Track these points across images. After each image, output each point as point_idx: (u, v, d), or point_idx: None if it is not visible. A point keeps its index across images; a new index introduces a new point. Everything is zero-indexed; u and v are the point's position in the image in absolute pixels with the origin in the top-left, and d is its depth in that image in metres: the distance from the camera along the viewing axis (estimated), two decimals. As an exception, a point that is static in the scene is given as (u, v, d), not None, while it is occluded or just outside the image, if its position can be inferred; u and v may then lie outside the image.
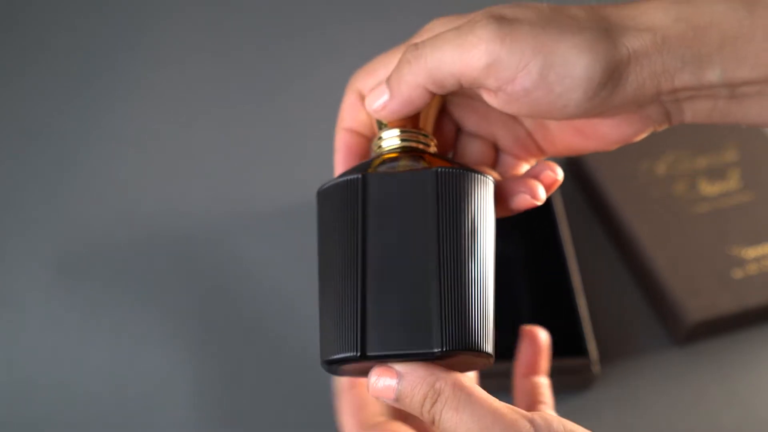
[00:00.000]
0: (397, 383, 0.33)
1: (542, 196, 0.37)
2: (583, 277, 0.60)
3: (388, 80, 0.36)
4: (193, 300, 0.62)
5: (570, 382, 0.56)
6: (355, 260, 0.34)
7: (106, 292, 0.63)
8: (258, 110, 0.76)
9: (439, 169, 0.34)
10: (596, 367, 0.55)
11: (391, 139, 0.37)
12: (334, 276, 0.35)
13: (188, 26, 0.84)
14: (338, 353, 0.33)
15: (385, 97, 0.36)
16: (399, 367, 0.33)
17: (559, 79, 0.33)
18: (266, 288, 0.63)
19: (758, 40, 0.32)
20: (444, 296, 0.33)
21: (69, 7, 0.85)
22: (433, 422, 0.33)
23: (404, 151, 0.37)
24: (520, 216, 0.39)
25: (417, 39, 0.38)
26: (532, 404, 0.42)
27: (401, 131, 0.37)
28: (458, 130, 0.42)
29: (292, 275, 0.63)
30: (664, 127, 0.37)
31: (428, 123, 0.39)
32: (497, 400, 0.32)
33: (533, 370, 0.44)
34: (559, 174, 0.38)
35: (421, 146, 0.37)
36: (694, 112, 0.36)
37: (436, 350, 0.32)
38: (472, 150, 0.41)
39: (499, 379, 0.55)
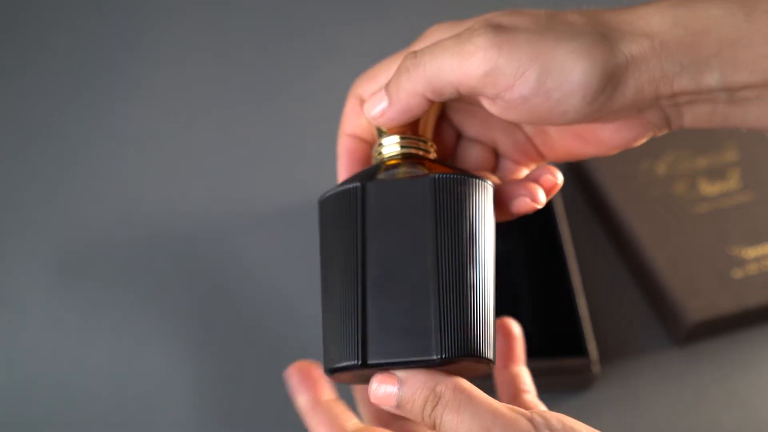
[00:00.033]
0: (398, 389, 0.33)
1: (542, 199, 0.37)
2: (583, 277, 0.60)
3: (386, 87, 0.37)
4: (193, 300, 0.62)
5: (570, 382, 0.56)
6: (355, 269, 0.34)
7: (106, 292, 0.63)
8: (258, 110, 0.76)
9: (437, 176, 0.35)
10: (596, 367, 0.55)
11: (391, 146, 0.38)
12: (335, 285, 0.35)
13: (188, 26, 0.84)
14: (340, 362, 0.34)
15: (384, 104, 0.37)
16: (400, 373, 0.33)
17: (556, 86, 0.33)
18: (266, 288, 0.63)
19: (756, 44, 0.32)
20: (443, 303, 0.33)
21: (69, 7, 0.85)
22: (434, 426, 0.33)
23: (404, 158, 0.37)
24: (521, 217, 0.39)
25: (417, 45, 0.38)
26: (514, 393, 0.42)
27: (401, 138, 0.37)
28: (458, 135, 0.42)
29: (292, 275, 0.63)
30: (664, 132, 0.37)
31: (428, 129, 0.39)
32: (496, 401, 0.32)
33: (511, 360, 0.44)
34: (559, 178, 0.38)
35: (420, 152, 0.37)
36: (694, 116, 0.36)
37: (435, 357, 0.32)
38: (472, 155, 0.41)
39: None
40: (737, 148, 0.66)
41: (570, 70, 0.33)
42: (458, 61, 0.34)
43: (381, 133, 0.38)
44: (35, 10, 0.85)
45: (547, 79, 0.33)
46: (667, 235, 0.61)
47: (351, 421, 0.37)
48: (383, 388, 0.33)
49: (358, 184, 0.35)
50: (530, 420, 0.32)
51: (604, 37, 0.33)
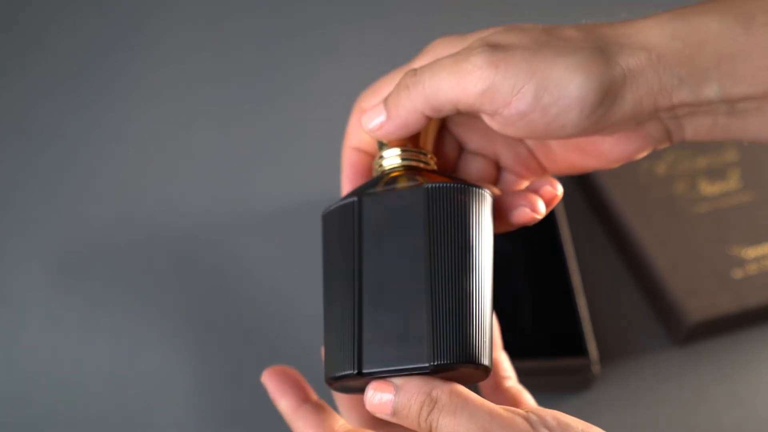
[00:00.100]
0: (394, 396, 0.33)
1: (542, 209, 0.38)
2: (583, 277, 0.60)
3: (385, 102, 0.37)
4: (193, 300, 0.62)
5: (570, 382, 0.56)
6: (351, 281, 0.35)
7: (106, 292, 0.63)
8: (258, 110, 0.76)
9: (429, 185, 0.35)
10: (596, 367, 0.55)
11: (391, 159, 0.38)
12: (334, 297, 0.36)
13: (188, 26, 0.84)
14: (337, 372, 0.34)
15: (382, 118, 0.37)
16: (395, 380, 0.33)
17: (553, 101, 0.33)
18: (266, 288, 0.63)
19: (755, 57, 0.33)
20: (435, 310, 0.33)
21: (69, 7, 0.85)
22: (430, 430, 0.33)
23: (404, 170, 0.37)
24: (521, 228, 0.39)
25: (419, 61, 0.39)
26: (496, 381, 0.42)
27: (402, 150, 0.38)
28: (461, 148, 0.42)
29: (292, 275, 0.63)
30: (665, 144, 0.37)
31: (428, 142, 0.39)
32: (492, 403, 0.33)
33: None
34: (559, 189, 0.38)
35: (421, 165, 0.38)
36: (695, 129, 0.36)
37: (427, 364, 0.33)
38: (474, 168, 0.41)
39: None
40: (737, 148, 0.66)
41: (566, 85, 0.33)
42: (456, 80, 0.34)
43: (382, 145, 0.39)
44: (35, 10, 0.85)
45: (544, 94, 0.33)
46: (667, 235, 0.61)
47: (338, 422, 0.37)
48: (378, 396, 0.33)
49: (354, 198, 0.36)
50: (526, 419, 0.32)
51: (601, 51, 0.33)
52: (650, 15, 0.34)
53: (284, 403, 0.38)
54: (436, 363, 0.33)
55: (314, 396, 0.39)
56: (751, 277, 0.58)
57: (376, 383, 0.33)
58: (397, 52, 0.81)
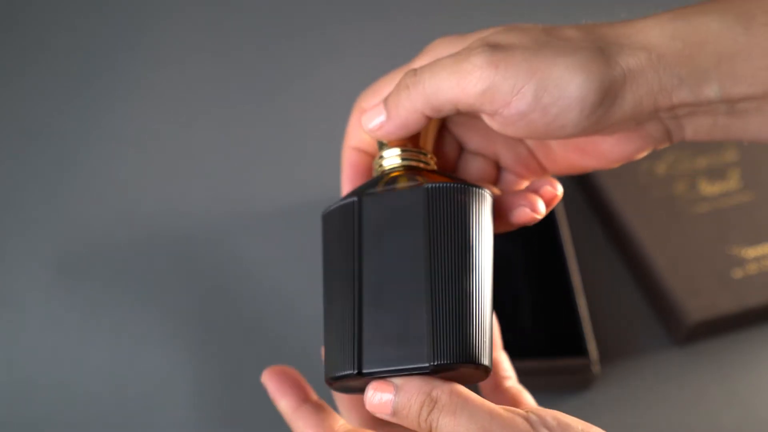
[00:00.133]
0: (394, 396, 0.33)
1: (542, 209, 0.38)
2: (583, 277, 0.60)
3: (385, 102, 0.37)
4: (193, 300, 0.62)
5: (570, 382, 0.56)
6: (351, 281, 0.35)
7: (106, 292, 0.63)
8: (258, 110, 0.76)
9: (429, 185, 0.35)
10: (596, 367, 0.55)
11: (391, 158, 0.38)
12: (334, 297, 0.36)
13: (188, 26, 0.84)
14: (337, 371, 0.34)
15: (382, 118, 0.37)
16: (395, 380, 0.33)
17: (553, 101, 0.33)
18: (266, 288, 0.63)
19: (755, 57, 0.33)
20: (435, 310, 0.33)
21: (69, 7, 0.85)
22: (430, 431, 0.33)
23: (404, 170, 0.38)
24: (521, 228, 0.39)
25: (419, 61, 0.39)
26: (496, 381, 0.42)
27: (402, 150, 0.38)
28: (461, 148, 0.42)
29: (292, 275, 0.63)
30: (665, 145, 0.37)
31: (428, 141, 0.39)
32: (492, 403, 0.33)
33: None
34: (559, 189, 0.38)
35: (421, 165, 0.38)
36: (695, 129, 0.36)
37: (427, 364, 0.33)
38: (474, 168, 0.41)
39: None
40: (737, 148, 0.66)
41: (566, 85, 0.33)
42: (456, 80, 0.34)
43: (382, 145, 0.39)
44: (35, 10, 0.85)
45: (544, 94, 0.33)
46: (667, 235, 0.61)
47: (339, 422, 0.37)
48: (378, 396, 0.33)
49: (354, 198, 0.36)
50: (526, 419, 0.32)
51: (601, 51, 0.33)
52: (650, 15, 0.34)
53: (284, 403, 0.38)
54: (436, 363, 0.33)
55: (314, 396, 0.38)
56: (751, 277, 0.58)
57: (376, 383, 0.33)
58: (397, 52, 0.81)
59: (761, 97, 0.33)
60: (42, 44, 0.82)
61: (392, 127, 0.37)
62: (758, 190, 0.63)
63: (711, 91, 0.33)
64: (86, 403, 0.57)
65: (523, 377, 0.56)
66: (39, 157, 0.72)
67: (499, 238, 0.37)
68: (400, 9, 0.85)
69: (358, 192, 0.37)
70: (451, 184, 0.35)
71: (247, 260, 0.65)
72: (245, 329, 0.61)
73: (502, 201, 0.38)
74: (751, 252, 0.60)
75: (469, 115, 0.40)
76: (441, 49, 0.38)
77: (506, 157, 0.41)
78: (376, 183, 0.37)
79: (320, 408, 0.37)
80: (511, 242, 0.62)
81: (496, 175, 0.42)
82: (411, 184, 0.36)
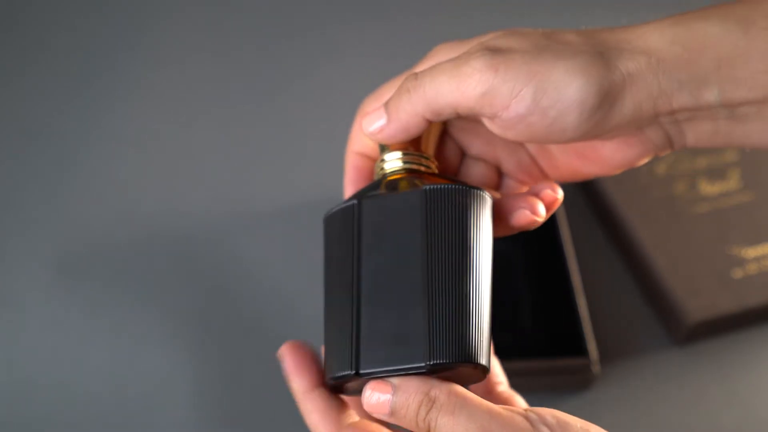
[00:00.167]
0: (392, 396, 0.33)
1: (542, 212, 0.38)
2: (583, 277, 0.60)
3: (386, 105, 0.37)
4: (193, 300, 0.62)
5: (570, 382, 0.56)
6: (350, 283, 0.35)
7: (106, 292, 0.63)
8: (258, 110, 0.76)
9: (428, 187, 0.35)
10: (596, 367, 0.55)
11: (392, 162, 0.38)
12: (333, 299, 0.36)
13: (188, 26, 0.84)
14: (336, 372, 0.35)
15: (382, 121, 0.37)
16: (393, 380, 0.33)
17: (552, 103, 0.33)
18: (266, 288, 0.63)
19: (754, 61, 0.33)
20: (432, 310, 0.33)
21: (69, 7, 0.85)
22: (428, 431, 0.32)
23: (405, 173, 0.38)
24: (522, 232, 0.39)
25: (421, 66, 0.39)
26: (488, 388, 0.42)
27: (403, 154, 0.38)
28: (463, 154, 0.42)
29: (292, 275, 0.63)
30: (667, 152, 0.38)
31: (429, 145, 0.40)
32: (491, 402, 0.33)
33: None
34: (559, 193, 0.39)
35: (422, 168, 0.38)
36: (696, 135, 0.36)
37: (423, 363, 0.33)
38: (476, 173, 0.41)
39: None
40: (737, 148, 0.66)
41: (565, 88, 0.33)
42: (456, 84, 0.34)
43: (383, 149, 0.39)
44: (35, 10, 0.85)
45: (543, 97, 0.33)
46: (667, 235, 0.61)
47: (347, 413, 0.37)
48: (376, 396, 0.33)
49: (354, 201, 0.36)
50: (526, 417, 0.32)
51: (600, 55, 0.34)
52: (651, 21, 0.35)
53: (297, 383, 0.37)
54: (432, 362, 0.33)
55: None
56: (751, 277, 0.58)
57: (374, 383, 0.33)
58: (397, 52, 0.81)
59: (761, 101, 0.33)
60: (42, 44, 0.82)
61: (393, 131, 0.37)
62: (758, 190, 0.63)
63: (711, 96, 0.33)
64: (86, 403, 0.57)
65: (523, 377, 0.56)
66: (39, 157, 0.72)
67: (499, 238, 0.37)
68: (400, 9, 0.85)
69: (359, 195, 0.37)
70: (450, 186, 0.35)
71: (247, 260, 0.65)
72: (245, 329, 0.61)
73: (502, 204, 0.38)
74: (751, 252, 0.60)
75: (471, 120, 0.40)
76: (442, 54, 0.38)
77: (508, 163, 0.41)
78: (376, 186, 0.37)
79: (331, 396, 0.37)
80: (512, 242, 0.62)
81: (498, 181, 0.42)
82: (410, 186, 0.36)
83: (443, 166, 0.42)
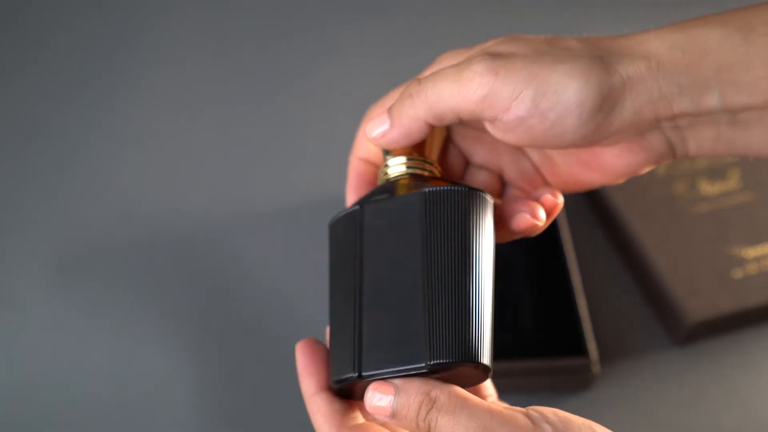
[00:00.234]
0: (394, 397, 0.33)
1: (542, 216, 0.38)
2: (583, 277, 0.60)
3: (389, 110, 0.38)
4: (193, 300, 0.62)
5: (570, 382, 0.56)
6: (353, 287, 0.35)
7: (106, 292, 0.63)
8: (258, 110, 0.76)
9: (428, 189, 0.35)
10: (596, 367, 0.55)
11: (395, 167, 0.39)
12: (337, 304, 0.36)
13: (188, 26, 0.84)
14: (339, 375, 0.35)
15: (385, 126, 0.38)
16: (395, 381, 0.33)
17: (551, 106, 0.34)
18: (266, 288, 0.63)
19: (755, 66, 0.33)
20: (431, 310, 0.33)
21: (69, 7, 0.85)
22: (428, 431, 0.33)
23: (409, 178, 0.38)
24: (524, 239, 0.39)
25: (426, 73, 0.39)
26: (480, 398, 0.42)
27: (407, 159, 0.39)
28: (466, 162, 0.43)
29: (292, 275, 0.63)
30: (669, 160, 0.38)
31: (433, 152, 0.40)
32: (491, 402, 0.33)
33: None
34: (560, 198, 0.39)
35: (426, 173, 0.38)
36: (698, 142, 0.36)
37: (424, 363, 0.33)
38: (479, 181, 0.42)
39: (499, 379, 0.55)
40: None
41: (564, 90, 0.33)
42: (457, 88, 0.35)
43: (387, 154, 0.39)
44: (35, 10, 0.85)
45: (542, 99, 0.34)
46: (667, 235, 0.61)
47: (353, 415, 0.37)
48: (378, 397, 0.33)
49: (357, 207, 0.37)
50: (527, 415, 0.32)
51: (600, 60, 0.34)
52: (651, 29, 0.35)
53: (305, 384, 0.38)
54: (433, 362, 0.33)
55: None
56: (751, 277, 0.58)
57: (376, 384, 0.34)
58: (397, 52, 0.81)
59: (762, 107, 0.33)
60: (42, 44, 0.82)
61: (395, 135, 0.38)
62: (758, 190, 0.64)
63: (712, 101, 0.33)
64: (86, 403, 0.57)
65: (523, 377, 0.56)
66: (39, 157, 0.72)
67: (498, 249, 0.37)
68: (400, 9, 0.85)
69: (362, 201, 0.37)
70: (450, 188, 0.35)
71: (247, 260, 0.65)
72: (245, 329, 0.61)
73: (502, 209, 0.38)
74: (751, 252, 0.60)
75: (475, 128, 0.41)
76: (446, 61, 0.39)
77: (511, 171, 0.42)
78: (380, 191, 0.38)
79: (337, 398, 0.37)
80: (512, 243, 0.62)
81: (501, 189, 0.42)
82: (412, 190, 0.36)
83: (447, 174, 0.42)
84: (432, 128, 0.37)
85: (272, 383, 0.58)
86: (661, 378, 0.57)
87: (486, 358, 0.34)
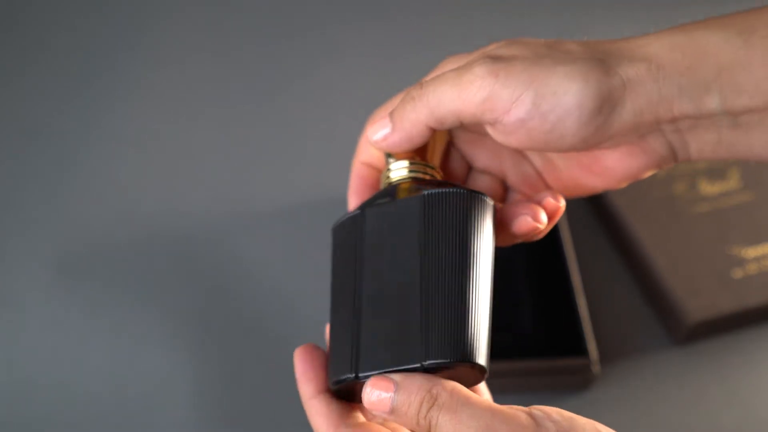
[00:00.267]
0: (394, 393, 0.33)
1: (543, 219, 0.38)
2: (583, 277, 0.60)
3: (391, 114, 0.38)
4: (193, 300, 0.62)
5: (570, 382, 0.56)
6: (352, 290, 0.36)
7: (106, 292, 0.63)
8: (258, 110, 0.76)
9: (427, 192, 0.36)
10: (596, 367, 0.55)
11: (397, 171, 0.39)
12: (337, 306, 0.37)
13: (188, 26, 0.84)
14: (337, 376, 0.35)
15: (387, 129, 0.38)
16: (395, 376, 0.33)
17: (551, 107, 0.34)
18: (266, 288, 0.63)
19: (756, 68, 0.33)
20: (427, 310, 0.33)
21: (69, 7, 0.85)
22: (429, 429, 0.32)
23: (410, 182, 0.38)
24: (525, 243, 0.39)
25: (429, 77, 0.40)
26: None
27: (409, 163, 0.39)
28: (469, 167, 0.43)
29: (292, 275, 0.63)
30: (671, 164, 0.38)
31: (435, 156, 0.40)
32: (492, 401, 0.32)
33: None
34: (561, 201, 0.39)
35: (427, 177, 0.39)
36: (699, 145, 0.36)
37: (419, 363, 0.33)
38: (482, 186, 0.42)
39: (499, 379, 0.55)
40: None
41: (564, 92, 0.34)
42: (458, 91, 0.35)
43: (389, 158, 0.40)
44: (35, 10, 0.85)
45: (542, 101, 0.34)
46: (667, 235, 0.61)
47: (353, 416, 0.37)
48: (377, 394, 0.33)
49: (358, 211, 0.37)
50: (530, 414, 0.32)
51: (600, 62, 0.34)
52: (652, 32, 0.35)
53: (303, 389, 0.38)
54: (427, 362, 0.33)
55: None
56: (751, 277, 0.58)
57: (375, 380, 0.33)
58: (397, 52, 0.81)
59: (763, 109, 0.33)
60: (42, 44, 0.82)
61: (397, 139, 0.38)
62: (758, 190, 0.64)
63: (712, 103, 0.33)
64: (86, 403, 0.57)
65: (523, 377, 0.56)
66: (39, 157, 0.72)
67: (498, 251, 0.38)
68: (400, 9, 0.85)
69: (364, 205, 0.38)
70: (449, 190, 0.36)
71: (247, 260, 0.65)
72: (245, 329, 0.61)
73: (504, 212, 0.38)
74: (751, 252, 0.60)
75: (477, 133, 0.41)
76: (449, 65, 0.39)
77: (513, 176, 0.42)
78: (381, 195, 0.38)
79: (335, 400, 0.37)
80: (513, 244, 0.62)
81: (503, 193, 0.42)
82: (412, 193, 0.37)
83: (449, 178, 0.42)
84: (434, 132, 0.38)
85: (272, 383, 0.58)
86: (661, 378, 0.57)
87: (482, 358, 0.33)
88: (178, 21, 0.84)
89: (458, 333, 0.33)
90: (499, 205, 0.40)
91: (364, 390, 0.34)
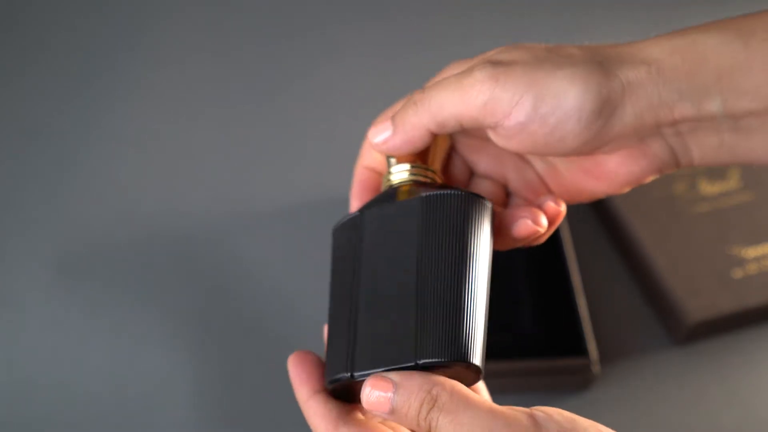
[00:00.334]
0: (393, 393, 0.32)
1: (544, 223, 0.38)
2: (583, 277, 0.60)
3: (392, 118, 0.38)
4: (193, 300, 0.62)
5: (570, 382, 0.56)
6: (350, 291, 0.36)
7: (106, 292, 0.63)
8: (258, 110, 0.76)
9: (425, 194, 0.36)
10: (596, 367, 0.55)
11: (398, 174, 0.39)
12: (335, 306, 0.37)
13: (188, 26, 0.84)
14: (333, 375, 0.35)
15: (388, 133, 0.38)
16: (394, 376, 0.33)
17: (551, 111, 0.34)
18: (266, 288, 0.63)
19: (756, 72, 0.33)
20: (422, 310, 0.33)
21: (69, 7, 0.85)
22: (429, 430, 0.32)
23: (411, 185, 0.38)
24: (525, 248, 0.39)
25: (431, 82, 0.40)
26: None
27: (410, 166, 0.39)
28: (471, 172, 0.43)
29: (292, 275, 0.63)
30: (673, 169, 0.38)
31: (436, 160, 0.40)
32: (492, 402, 0.32)
33: None
34: (562, 206, 0.39)
35: (428, 180, 0.39)
36: (701, 149, 0.36)
37: (413, 362, 0.33)
38: (483, 191, 0.42)
39: (499, 379, 0.55)
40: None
41: (564, 95, 0.34)
42: (459, 95, 0.35)
43: (390, 161, 0.40)
44: (35, 10, 0.85)
45: (542, 104, 0.34)
46: (667, 235, 0.61)
47: (347, 413, 0.37)
48: (376, 394, 0.33)
49: (358, 212, 0.37)
50: (531, 416, 0.31)
51: (600, 65, 0.34)
52: (652, 37, 0.35)
53: (299, 393, 0.38)
54: (421, 361, 0.33)
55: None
56: (751, 277, 0.58)
57: (373, 380, 0.33)
58: (397, 52, 0.81)
59: (764, 113, 0.33)
60: (42, 44, 0.82)
61: (398, 142, 0.38)
62: (758, 190, 0.64)
63: (713, 106, 0.33)
64: (86, 403, 0.57)
65: (523, 377, 0.56)
66: (39, 157, 0.72)
67: (497, 252, 0.38)
68: (400, 9, 0.85)
69: (364, 207, 0.38)
70: (448, 192, 0.36)
71: (247, 260, 0.65)
72: (245, 329, 0.61)
73: (504, 216, 0.38)
74: (751, 252, 0.60)
75: (479, 138, 0.41)
76: (450, 71, 0.39)
77: (515, 181, 0.42)
78: (381, 197, 0.38)
79: (331, 399, 0.37)
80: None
81: (505, 198, 0.42)
82: (411, 195, 0.37)
83: (451, 183, 0.42)
84: (435, 136, 0.38)
85: (272, 383, 0.58)
86: (661, 378, 0.57)
87: (477, 358, 0.33)
88: (178, 21, 0.84)
89: (453, 332, 0.33)
90: (500, 209, 0.40)
91: (363, 390, 0.33)
